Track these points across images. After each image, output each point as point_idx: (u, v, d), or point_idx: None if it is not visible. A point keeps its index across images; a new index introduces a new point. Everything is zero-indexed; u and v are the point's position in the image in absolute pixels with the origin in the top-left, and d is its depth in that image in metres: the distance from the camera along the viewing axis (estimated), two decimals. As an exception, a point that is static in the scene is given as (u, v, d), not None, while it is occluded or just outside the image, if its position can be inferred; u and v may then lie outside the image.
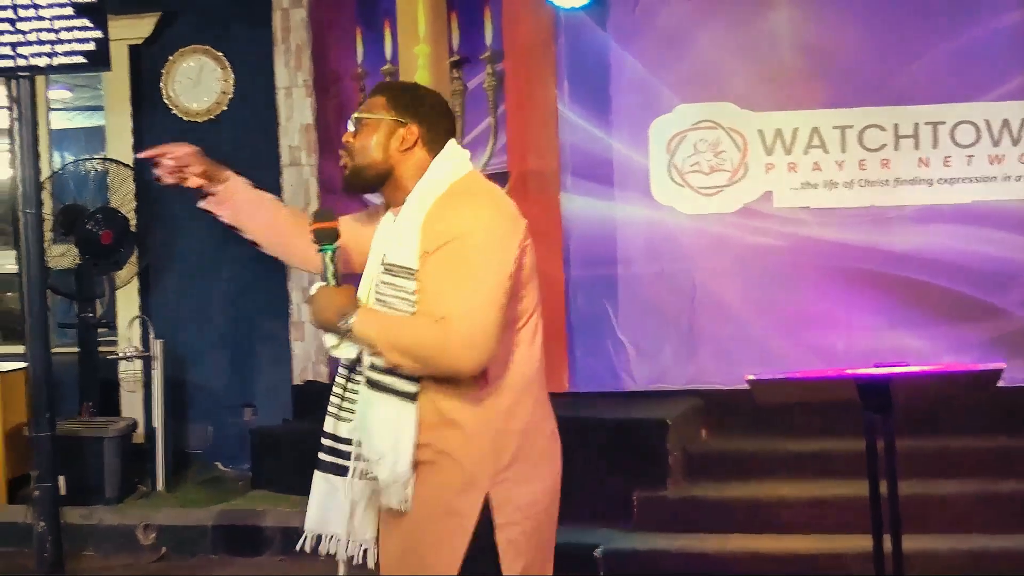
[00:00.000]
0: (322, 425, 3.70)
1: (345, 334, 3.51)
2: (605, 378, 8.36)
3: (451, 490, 3.54)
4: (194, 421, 9.24)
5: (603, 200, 8.39)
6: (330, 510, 3.69)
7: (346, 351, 3.58)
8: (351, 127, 3.71)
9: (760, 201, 8.24)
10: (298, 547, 3.74)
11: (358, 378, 3.61)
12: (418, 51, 8.70)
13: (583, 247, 8.38)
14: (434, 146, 3.67)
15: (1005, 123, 8.07)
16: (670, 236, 8.34)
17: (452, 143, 3.71)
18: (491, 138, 8.53)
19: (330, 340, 3.59)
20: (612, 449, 7.51)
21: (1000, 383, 4.62)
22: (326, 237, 3.62)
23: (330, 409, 3.70)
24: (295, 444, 8.39)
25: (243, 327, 9.26)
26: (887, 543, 4.73)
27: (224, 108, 9.26)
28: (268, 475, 8.52)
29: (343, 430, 3.66)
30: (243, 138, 9.17)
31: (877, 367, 4.63)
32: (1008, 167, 8.07)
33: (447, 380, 3.50)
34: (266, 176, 8.82)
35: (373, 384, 3.54)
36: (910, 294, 8.01)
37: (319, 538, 3.72)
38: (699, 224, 8.32)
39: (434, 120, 3.69)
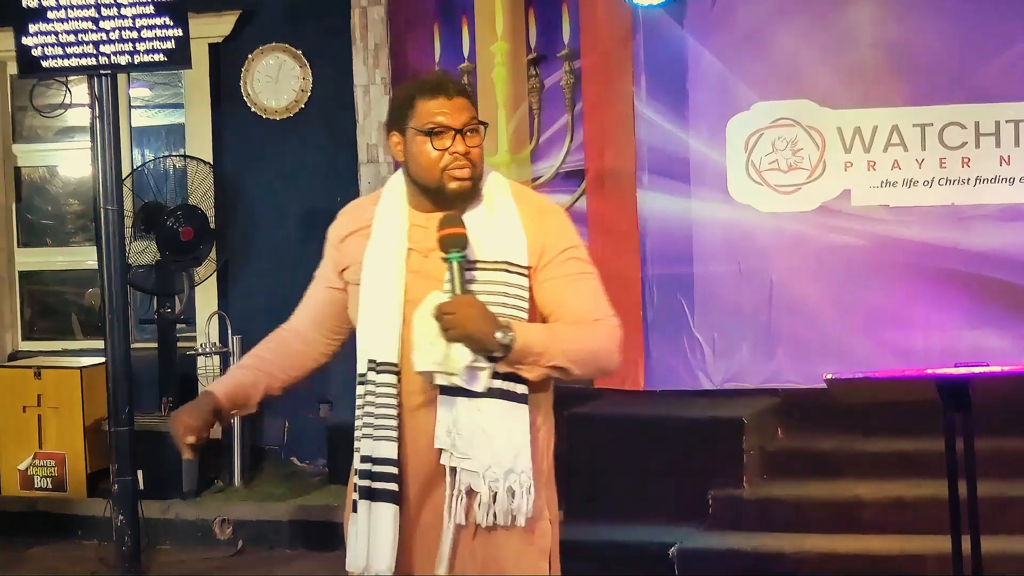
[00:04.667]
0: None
1: (502, 348, 3.33)
2: (681, 376, 8.31)
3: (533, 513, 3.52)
4: (270, 417, 9.25)
5: (680, 198, 8.33)
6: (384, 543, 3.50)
7: (477, 376, 3.38)
8: (466, 135, 3.50)
9: (838, 199, 8.16)
10: None
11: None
12: (496, 48, 8.71)
13: (659, 245, 8.32)
14: None
15: (1090, 121, 7.96)
16: (747, 234, 8.28)
17: None
18: (567, 136, 8.52)
19: (463, 359, 3.34)
20: (688, 448, 7.48)
21: (1084, 383, 4.56)
22: (454, 244, 3.40)
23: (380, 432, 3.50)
24: (370, 440, 8.42)
25: (320, 323, 9.25)
26: (966, 544, 4.69)
27: (302, 106, 9.30)
28: (344, 471, 8.39)
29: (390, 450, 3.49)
30: (321, 136, 9.24)
31: (957, 367, 4.59)
32: (1093, 166, 7.95)
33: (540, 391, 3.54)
34: (343, 174, 8.91)
35: (491, 393, 3.42)
36: (991, 293, 7.90)
37: None
38: (777, 222, 8.26)
39: None
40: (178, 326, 9.07)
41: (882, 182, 8.10)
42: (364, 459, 3.50)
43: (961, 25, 7.98)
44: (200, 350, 8.89)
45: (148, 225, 8.81)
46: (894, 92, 8.11)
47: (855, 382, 4.79)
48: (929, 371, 4.63)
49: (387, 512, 3.46)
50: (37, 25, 7.16)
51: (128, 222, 8.41)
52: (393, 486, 3.46)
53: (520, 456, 3.42)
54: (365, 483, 3.49)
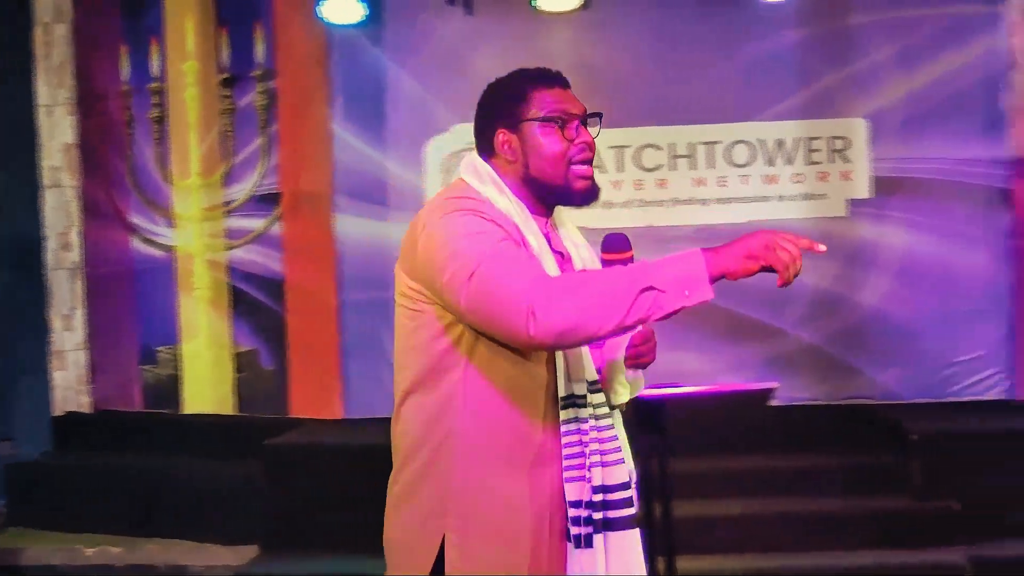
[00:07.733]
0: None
1: None
2: (380, 404, 8.09)
3: None
4: (-55, 454, 8.79)
5: (377, 221, 8.22)
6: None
7: None
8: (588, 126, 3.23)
9: (537, 222, 8.15)
10: None
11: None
12: (187, 68, 8.50)
13: (357, 269, 8.19)
14: None
15: (779, 143, 8.13)
16: (447, 258, 8.19)
17: None
18: (262, 158, 8.31)
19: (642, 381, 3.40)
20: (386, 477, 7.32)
21: (776, 402, 4.59)
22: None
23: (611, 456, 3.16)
24: (55, 478, 8.06)
25: (-2, 355, 8.86)
26: (661, 565, 4.69)
27: (-20, 127, 8.87)
28: (25, 511, 8.12)
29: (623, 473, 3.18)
30: (1, 158, 8.81)
31: (652, 388, 4.57)
32: (782, 186, 8.13)
33: None
34: (24, 198, 8.52)
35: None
36: (687, 314, 7.95)
37: None
38: (476, 245, 8.19)
39: None
40: None
41: (580, 204, 8.12)
42: (596, 489, 3.10)
43: (656, 48, 8.13)
44: None
45: None
46: (590, 115, 8.14)
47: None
48: (624, 392, 4.59)
49: (634, 538, 3.14)
50: None
51: None
52: (632, 511, 3.14)
53: None
54: (598, 515, 3.09)
